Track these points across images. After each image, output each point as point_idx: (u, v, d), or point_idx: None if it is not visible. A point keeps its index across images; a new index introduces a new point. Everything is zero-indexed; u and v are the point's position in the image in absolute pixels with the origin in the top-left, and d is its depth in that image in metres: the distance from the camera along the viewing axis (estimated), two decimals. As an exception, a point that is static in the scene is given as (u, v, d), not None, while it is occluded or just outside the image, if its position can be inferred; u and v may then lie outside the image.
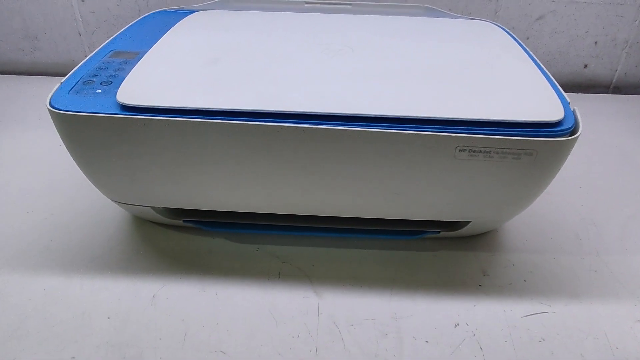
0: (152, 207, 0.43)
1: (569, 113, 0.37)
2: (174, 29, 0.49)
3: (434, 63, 0.43)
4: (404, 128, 0.35)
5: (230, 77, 0.39)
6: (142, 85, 0.38)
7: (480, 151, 0.35)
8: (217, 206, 0.42)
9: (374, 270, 0.43)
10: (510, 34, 0.50)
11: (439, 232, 0.45)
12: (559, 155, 0.36)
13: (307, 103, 0.36)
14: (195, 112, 0.36)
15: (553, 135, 0.35)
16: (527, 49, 0.47)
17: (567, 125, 0.36)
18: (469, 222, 0.43)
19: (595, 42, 0.75)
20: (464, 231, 0.45)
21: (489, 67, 0.42)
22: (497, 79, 0.40)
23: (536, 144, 0.35)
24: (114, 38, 0.49)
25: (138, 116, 0.35)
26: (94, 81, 0.41)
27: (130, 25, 0.52)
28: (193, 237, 0.46)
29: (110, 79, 0.41)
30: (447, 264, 0.44)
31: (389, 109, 0.36)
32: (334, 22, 0.52)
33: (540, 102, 0.38)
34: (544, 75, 0.41)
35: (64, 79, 0.40)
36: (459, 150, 0.35)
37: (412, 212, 0.41)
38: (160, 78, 0.39)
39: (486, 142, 0.35)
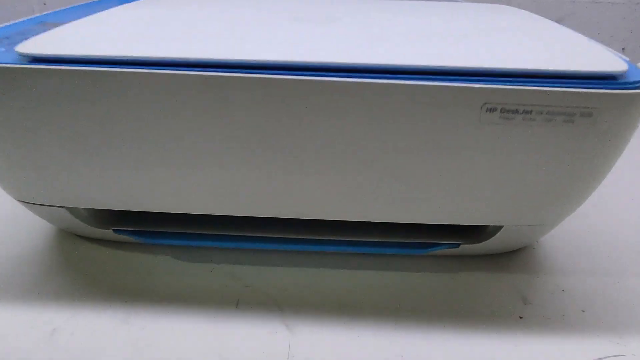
0: (69, 209, 0.32)
1: (634, 68, 0.27)
2: (123, 5, 0.41)
3: (448, 26, 0.33)
4: (407, 79, 0.24)
5: (174, 29, 0.30)
6: (54, 37, 0.29)
7: (516, 110, 0.25)
8: (154, 205, 0.31)
9: (370, 297, 0.31)
10: (536, 15, 0.41)
11: (459, 244, 0.33)
12: (628, 118, 0.25)
13: (276, 51, 0.26)
14: (119, 62, 0.26)
15: (619, 89, 0.25)
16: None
17: (634, 78, 0.26)
18: (499, 229, 0.31)
19: (623, 49, 0.66)
20: (492, 244, 0.33)
21: (520, 29, 0.33)
22: (532, 37, 0.31)
23: (597, 98, 0.24)
24: (50, 12, 0.40)
25: (39, 66, 0.25)
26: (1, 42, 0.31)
27: (77, 5, 0.44)
28: (130, 255, 0.35)
29: (23, 41, 0.31)
30: (473, 289, 0.32)
31: (386, 57, 0.25)
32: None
33: (594, 55, 0.27)
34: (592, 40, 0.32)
35: (-40, 38, 0.31)
36: (487, 110, 0.25)
37: (421, 212, 0.30)
38: (82, 31, 0.30)
39: (525, 97, 0.24)
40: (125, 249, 0.35)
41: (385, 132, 0.25)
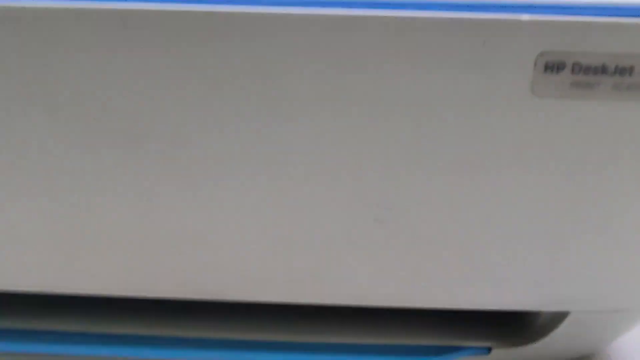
0: None
1: None
2: None
3: None
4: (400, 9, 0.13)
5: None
6: None
7: (603, 68, 0.13)
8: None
9: None
10: None
11: (489, 349, 0.19)
12: None
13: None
14: None
15: None
16: None
17: None
18: (562, 320, 0.18)
19: None
20: (543, 348, 0.19)
21: None
22: None
23: None
24: None
25: None
26: None
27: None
28: None
29: None
30: None
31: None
32: None
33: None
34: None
35: None
36: (546, 68, 0.13)
37: (427, 286, 0.17)
38: None
39: (620, 40, 0.13)
40: None
41: (377, 108, 0.14)
